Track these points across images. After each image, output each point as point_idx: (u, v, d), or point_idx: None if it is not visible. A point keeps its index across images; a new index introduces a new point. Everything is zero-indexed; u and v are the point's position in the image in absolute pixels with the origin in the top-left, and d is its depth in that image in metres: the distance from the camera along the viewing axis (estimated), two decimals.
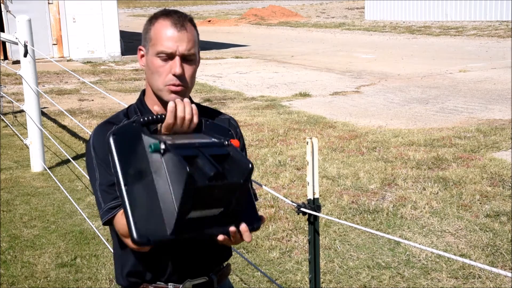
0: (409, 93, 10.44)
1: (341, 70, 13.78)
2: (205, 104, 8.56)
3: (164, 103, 1.78)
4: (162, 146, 1.46)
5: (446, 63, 14.23)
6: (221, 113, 1.95)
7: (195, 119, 1.61)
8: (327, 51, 18.06)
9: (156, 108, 1.70)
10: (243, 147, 1.91)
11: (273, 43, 21.70)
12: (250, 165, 1.45)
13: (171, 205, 1.44)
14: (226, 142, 1.51)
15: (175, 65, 1.71)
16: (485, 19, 25.28)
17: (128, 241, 1.59)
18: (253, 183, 1.92)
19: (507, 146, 6.58)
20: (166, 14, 1.75)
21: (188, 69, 1.75)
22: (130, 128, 1.55)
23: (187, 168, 1.37)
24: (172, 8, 1.86)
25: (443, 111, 8.80)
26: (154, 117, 1.58)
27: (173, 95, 1.74)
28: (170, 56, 1.72)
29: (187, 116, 1.59)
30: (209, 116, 1.87)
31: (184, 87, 1.75)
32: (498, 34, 20.56)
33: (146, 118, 1.57)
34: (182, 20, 1.73)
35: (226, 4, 58.82)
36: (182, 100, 1.62)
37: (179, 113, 1.58)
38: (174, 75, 1.72)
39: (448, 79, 11.78)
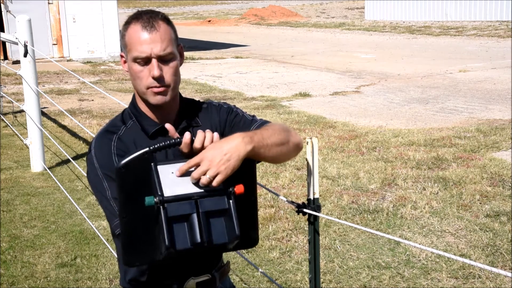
0: (409, 93, 10.44)
1: (341, 70, 13.78)
2: None
3: (150, 106, 1.79)
4: (156, 200, 1.47)
5: (446, 63, 14.22)
6: (202, 103, 1.93)
7: None
8: (327, 51, 18.06)
9: (167, 126, 1.65)
10: (231, 110, 1.89)
11: (273, 43, 21.69)
12: (237, 232, 1.47)
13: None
14: (230, 189, 1.51)
15: (153, 68, 1.70)
16: (485, 19, 25.27)
17: None
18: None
19: (507, 146, 6.58)
20: (136, 17, 1.73)
21: (167, 69, 1.73)
22: (140, 160, 1.52)
23: (166, 238, 1.44)
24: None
25: (443, 111, 8.80)
26: (167, 143, 1.55)
27: (158, 97, 1.74)
28: (146, 60, 1.71)
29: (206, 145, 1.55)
30: (196, 110, 1.87)
31: (167, 87, 1.74)
32: (498, 34, 20.56)
33: (157, 146, 1.53)
34: (152, 21, 1.71)
35: (226, 4, 58.78)
36: (203, 131, 1.56)
37: (196, 145, 1.54)
38: (153, 77, 1.71)
39: (448, 79, 11.78)
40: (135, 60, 1.72)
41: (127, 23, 1.75)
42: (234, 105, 1.93)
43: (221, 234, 1.48)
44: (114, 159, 1.73)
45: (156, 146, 1.53)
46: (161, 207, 1.46)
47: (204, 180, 1.49)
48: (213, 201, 1.49)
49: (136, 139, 1.78)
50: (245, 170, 1.58)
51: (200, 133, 1.55)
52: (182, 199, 1.48)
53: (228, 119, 1.87)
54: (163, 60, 1.72)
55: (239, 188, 1.51)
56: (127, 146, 1.76)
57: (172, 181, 1.51)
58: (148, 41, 1.69)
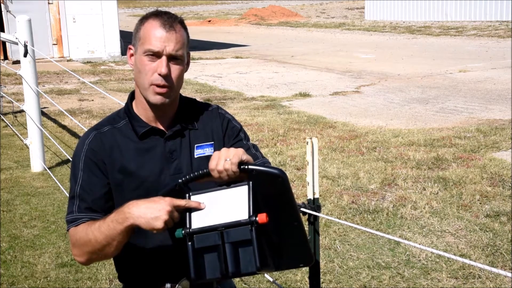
0: (409, 93, 10.44)
1: (341, 70, 13.78)
2: None
3: (150, 106, 1.79)
4: (184, 233, 1.56)
5: (446, 63, 14.22)
6: (206, 105, 1.95)
7: (234, 169, 1.61)
8: (327, 51, 18.06)
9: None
10: (238, 131, 1.92)
11: (273, 43, 21.69)
12: (258, 264, 1.51)
13: None
14: (254, 218, 1.54)
15: (161, 65, 1.73)
16: (485, 19, 25.27)
17: (74, 251, 1.75)
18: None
19: (507, 146, 6.58)
20: (156, 14, 1.77)
21: (174, 69, 1.75)
22: (173, 192, 1.62)
23: (192, 270, 1.54)
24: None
25: (443, 111, 8.80)
26: (195, 174, 1.64)
27: (158, 97, 1.76)
28: (157, 55, 1.73)
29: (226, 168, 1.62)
30: (196, 111, 1.89)
31: (169, 88, 1.75)
32: (498, 34, 20.56)
33: (187, 178, 1.63)
34: (172, 21, 1.75)
35: (226, 4, 58.79)
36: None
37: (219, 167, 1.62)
38: (159, 74, 1.73)
39: (448, 79, 11.78)
40: (145, 52, 1.74)
41: (145, 18, 1.78)
42: (242, 127, 1.95)
43: (249, 263, 1.52)
44: (83, 153, 1.80)
45: (186, 178, 1.62)
46: (187, 239, 1.55)
47: (220, 166, 1.59)
48: (238, 231, 1.53)
49: (121, 142, 1.80)
50: (283, 201, 1.62)
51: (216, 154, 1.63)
52: (208, 230, 1.54)
53: (229, 135, 1.90)
54: (173, 60, 1.75)
55: (262, 218, 1.53)
56: (103, 146, 1.79)
57: (203, 212, 1.58)
58: (164, 39, 1.72)
